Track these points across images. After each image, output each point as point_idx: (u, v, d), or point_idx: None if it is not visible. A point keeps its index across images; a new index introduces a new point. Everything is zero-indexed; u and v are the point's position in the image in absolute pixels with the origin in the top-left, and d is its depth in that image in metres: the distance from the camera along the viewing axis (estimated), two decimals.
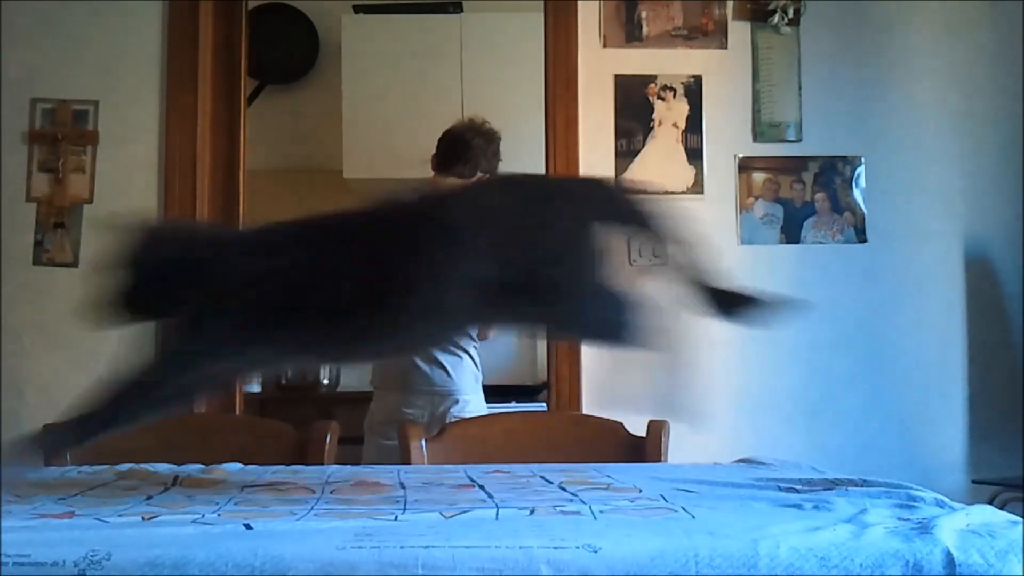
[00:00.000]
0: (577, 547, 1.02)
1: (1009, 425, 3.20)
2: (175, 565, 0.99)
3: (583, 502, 1.31)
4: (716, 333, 3.16)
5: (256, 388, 4.61)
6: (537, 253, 1.36)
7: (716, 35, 3.25)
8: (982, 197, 3.26)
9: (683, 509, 1.25)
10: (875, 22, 3.28)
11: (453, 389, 2.99)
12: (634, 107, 3.22)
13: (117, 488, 1.50)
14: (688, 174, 3.21)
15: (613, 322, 1.40)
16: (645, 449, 2.10)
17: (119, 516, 1.20)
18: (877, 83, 3.27)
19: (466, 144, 2.99)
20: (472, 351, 2.99)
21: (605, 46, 3.23)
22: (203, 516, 1.19)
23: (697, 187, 3.21)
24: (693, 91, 3.23)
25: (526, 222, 1.38)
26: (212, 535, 1.07)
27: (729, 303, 1.50)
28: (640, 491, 1.44)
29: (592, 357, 3.15)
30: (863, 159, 3.25)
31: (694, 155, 3.21)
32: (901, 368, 3.20)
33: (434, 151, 3.08)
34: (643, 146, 3.21)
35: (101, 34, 3.16)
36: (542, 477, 1.60)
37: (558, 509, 1.25)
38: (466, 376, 2.96)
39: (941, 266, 3.25)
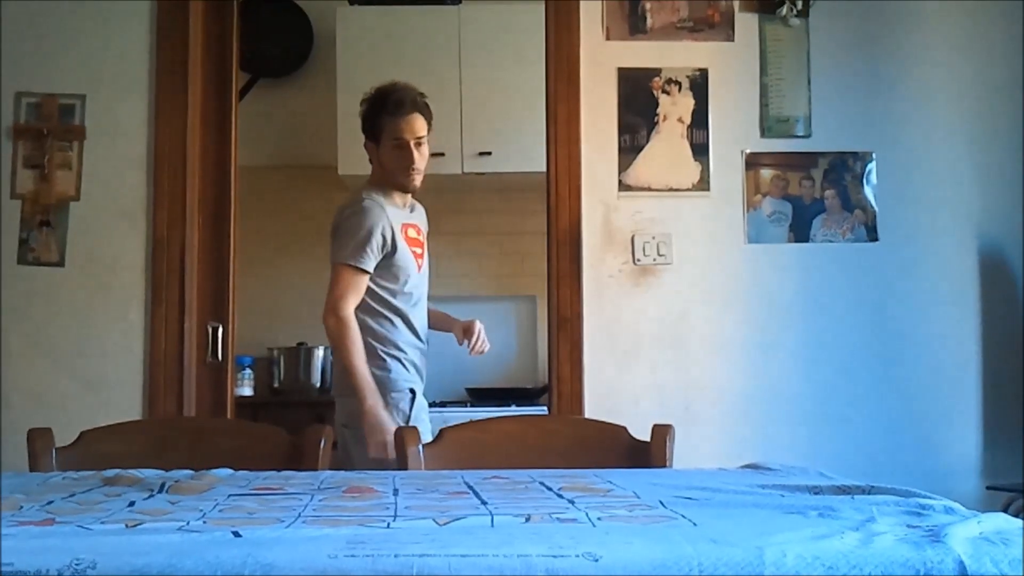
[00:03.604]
0: (577, 555, 1.02)
1: None
2: (162, 573, 0.99)
3: (579, 509, 1.31)
4: (723, 335, 3.18)
5: (248, 391, 4.62)
6: None
7: (722, 27, 3.25)
8: (996, 194, 3.26)
9: (683, 516, 1.25)
10: (887, 14, 3.28)
11: (336, 393, 3.00)
12: (638, 101, 3.22)
13: (100, 494, 1.50)
14: (694, 170, 3.21)
15: None
16: (649, 454, 2.09)
17: (101, 523, 1.20)
18: (889, 77, 3.27)
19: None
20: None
21: (608, 39, 3.23)
22: (188, 523, 1.19)
23: (703, 184, 3.21)
24: (699, 85, 3.23)
25: None
26: (200, 543, 1.07)
27: None
28: (638, 498, 1.44)
29: (595, 359, 3.15)
30: (874, 155, 3.25)
31: (700, 151, 3.21)
32: (913, 370, 3.20)
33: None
34: (647, 142, 3.21)
35: (88, 25, 3.16)
36: (541, 483, 1.60)
37: (554, 516, 1.25)
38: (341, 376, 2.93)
39: (954, 265, 3.25)
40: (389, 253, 2.86)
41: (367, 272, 2.84)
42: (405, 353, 2.90)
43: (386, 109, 2.87)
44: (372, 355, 2.84)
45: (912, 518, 1.26)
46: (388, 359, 2.86)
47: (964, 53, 3.30)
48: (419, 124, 2.89)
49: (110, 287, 3.11)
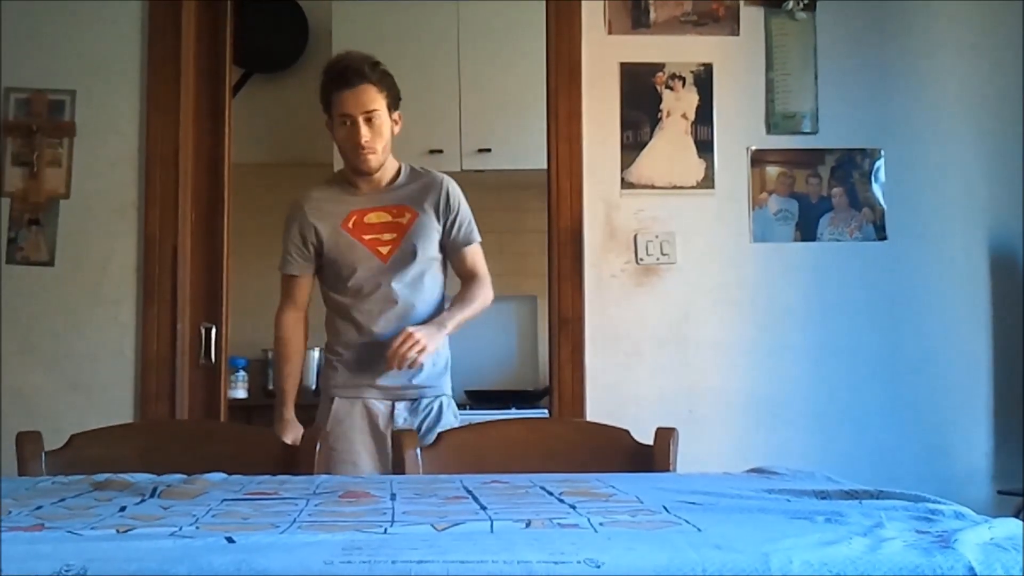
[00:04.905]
0: (578, 562, 1.02)
1: None
2: None
3: (580, 514, 1.31)
4: (727, 336, 3.18)
5: (242, 394, 4.62)
6: None
7: (727, 21, 3.25)
8: (1007, 191, 3.26)
9: (687, 522, 1.25)
10: (895, 8, 3.28)
11: None
12: (641, 97, 3.22)
13: (90, 499, 1.50)
14: (698, 168, 3.21)
15: None
16: (653, 458, 2.09)
17: (92, 529, 1.20)
18: (897, 72, 3.27)
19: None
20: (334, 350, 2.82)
21: (610, 33, 3.23)
22: (181, 529, 1.19)
23: (707, 181, 3.21)
24: (703, 80, 3.23)
25: None
26: (193, 549, 1.07)
27: None
28: (641, 502, 1.44)
29: (597, 361, 3.15)
30: (883, 152, 3.25)
31: (704, 148, 3.22)
32: (922, 372, 3.20)
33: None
34: (650, 138, 3.21)
35: (79, 18, 3.16)
36: (542, 487, 1.60)
37: (555, 521, 1.25)
38: None
39: (965, 264, 3.25)
40: (319, 251, 2.75)
41: (295, 276, 2.80)
42: (340, 355, 2.76)
43: (331, 83, 2.68)
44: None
45: (921, 523, 1.26)
46: (326, 363, 2.82)
47: (974, 47, 3.30)
48: (368, 96, 2.66)
49: (101, 287, 3.11)
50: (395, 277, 2.72)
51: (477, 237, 2.84)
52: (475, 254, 2.83)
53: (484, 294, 2.79)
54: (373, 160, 2.71)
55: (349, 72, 2.66)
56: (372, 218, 2.75)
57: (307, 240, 2.75)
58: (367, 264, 2.72)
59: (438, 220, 2.77)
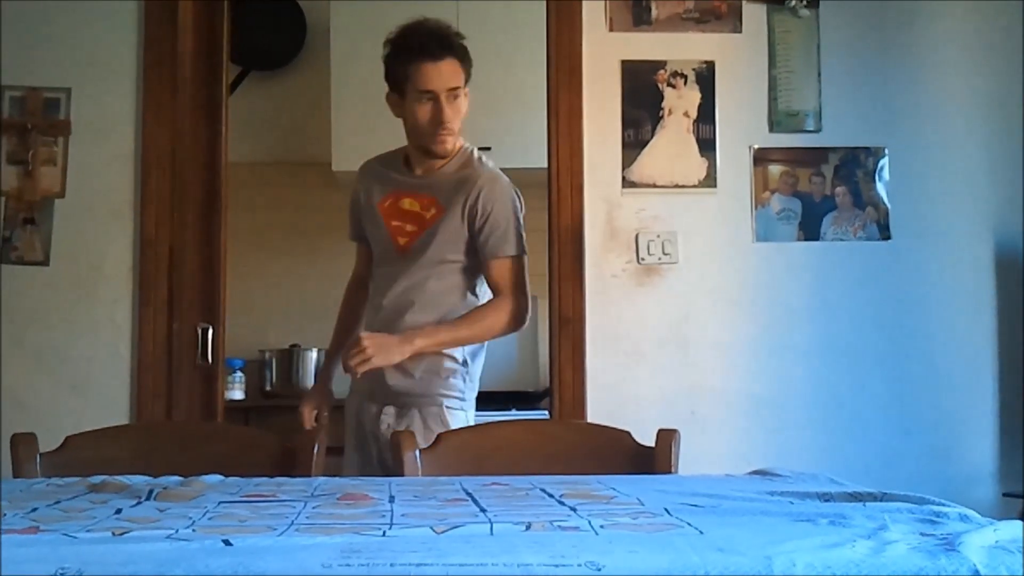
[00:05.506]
0: (579, 564, 1.02)
1: None
2: None
3: (581, 516, 1.31)
4: (730, 336, 3.18)
5: (239, 395, 4.62)
6: None
7: (730, 18, 3.25)
8: (1013, 190, 3.26)
9: (689, 524, 1.25)
10: (899, 5, 3.28)
11: None
12: (642, 95, 3.22)
13: (86, 501, 1.50)
14: (700, 166, 3.21)
15: None
16: (654, 459, 2.09)
17: (87, 531, 1.20)
18: (902, 69, 3.27)
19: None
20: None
21: (611, 30, 3.23)
22: (177, 531, 1.19)
23: (709, 180, 3.21)
24: (705, 78, 3.23)
25: None
26: (189, 551, 1.07)
27: None
28: (642, 504, 1.44)
29: (598, 362, 3.15)
30: (887, 150, 3.25)
31: (706, 146, 3.22)
32: (927, 373, 3.20)
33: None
34: (652, 137, 3.21)
35: (74, 15, 3.16)
36: (542, 489, 1.60)
37: (555, 524, 1.25)
38: None
39: (970, 264, 3.25)
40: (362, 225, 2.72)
41: (355, 241, 2.80)
42: None
43: (410, 53, 2.44)
44: None
45: (926, 526, 1.26)
46: None
47: (980, 45, 3.30)
48: (451, 71, 2.45)
49: (96, 287, 3.11)
50: (398, 274, 2.56)
51: (510, 250, 2.55)
52: (502, 269, 2.55)
53: (494, 317, 2.55)
54: (451, 142, 2.51)
55: (433, 42, 2.45)
56: (406, 204, 2.58)
57: (354, 211, 2.75)
58: (385, 251, 2.61)
59: (463, 222, 2.54)
